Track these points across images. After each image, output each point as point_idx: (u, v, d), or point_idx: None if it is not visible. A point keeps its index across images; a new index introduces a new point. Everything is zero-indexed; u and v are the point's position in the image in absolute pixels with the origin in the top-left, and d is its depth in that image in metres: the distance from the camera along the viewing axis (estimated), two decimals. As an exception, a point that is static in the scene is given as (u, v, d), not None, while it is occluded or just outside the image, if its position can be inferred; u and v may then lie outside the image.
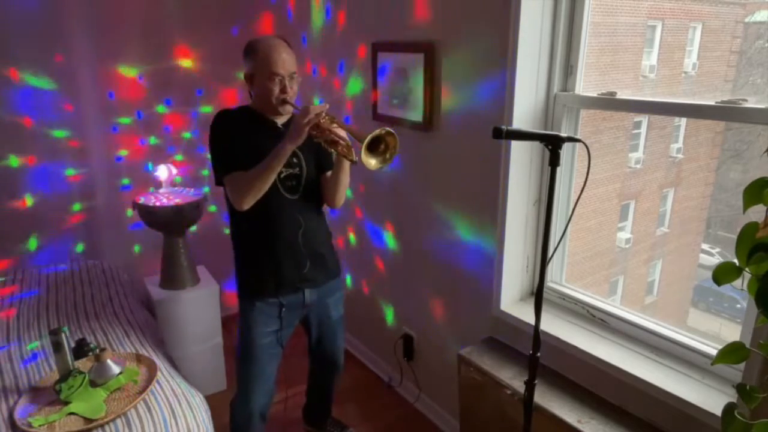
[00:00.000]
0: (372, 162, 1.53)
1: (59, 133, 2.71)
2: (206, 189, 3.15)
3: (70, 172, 2.79)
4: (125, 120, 2.87)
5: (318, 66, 2.85)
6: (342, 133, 1.65)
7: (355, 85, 2.60)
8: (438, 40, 2.03)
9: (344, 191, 1.88)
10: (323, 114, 1.64)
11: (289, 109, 1.78)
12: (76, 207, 2.84)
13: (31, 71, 2.56)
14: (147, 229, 2.98)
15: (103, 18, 2.69)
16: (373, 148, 1.53)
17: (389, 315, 2.68)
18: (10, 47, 2.50)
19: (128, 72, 2.82)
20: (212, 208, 3.28)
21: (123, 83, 2.81)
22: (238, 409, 1.94)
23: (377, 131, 1.49)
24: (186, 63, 2.97)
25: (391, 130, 1.51)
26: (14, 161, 2.62)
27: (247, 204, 1.70)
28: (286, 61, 1.71)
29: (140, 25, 2.79)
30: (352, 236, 2.86)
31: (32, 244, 2.75)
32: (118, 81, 2.80)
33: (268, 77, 1.70)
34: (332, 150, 1.71)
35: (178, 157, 3.07)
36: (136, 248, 3.06)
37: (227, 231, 3.20)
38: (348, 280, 2.96)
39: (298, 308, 1.92)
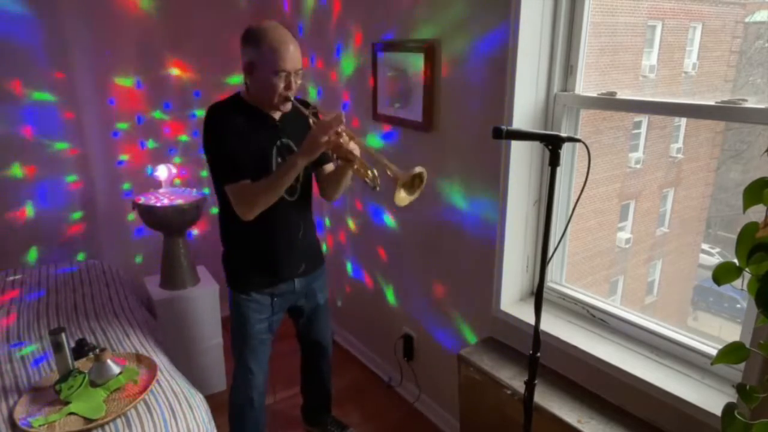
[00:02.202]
0: (405, 198, 1.49)
1: (61, 145, 2.72)
2: (206, 190, 3.14)
3: (71, 178, 2.79)
4: (124, 125, 2.88)
5: (315, 56, 2.86)
6: (358, 152, 1.62)
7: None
8: (438, 39, 2.03)
9: (344, 189, 1.90)
10: (342, 132, 1.58)
11: (289, 106, 1.72)
12: (77, 215, 2.84)
13: (33, 86, 2.59)
14: (149, 237, 2.96)
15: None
16: (408, 184, 1.50)
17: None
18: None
19: (125, 82, 2.83)
20: (214, 210, 3.28)
21: (121, 92, 2.83)
22: (238, 389, 1.97)
23: (417, 170, 1.46)
24: (179, 73, 2.98)
25: (423, 171, 1.49)
26: (17, 171, 2.63)
27: (254, 215, 1.67)
28: (294, 56, 1.62)
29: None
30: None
31: (32, 255, 2.76)
32: (116, 91, 2.82)
33: (274, 72, 1.61)
34: (347, 167, 1.69)
35: (177, 160, 3.07)
36: (138, 259, 3.08)
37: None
38: (348, 266, 2.97)
39: (288, 295, 1.96)
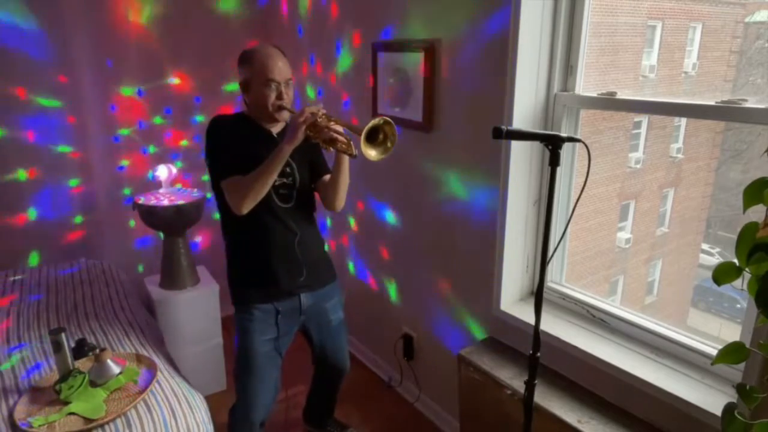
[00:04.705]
0: (372, 153, 1.54)
1: (63, 149, 2.73)
2: (209, 195, 3.14)
3: (73, 182, 2.80)
4: (125, 131, 2.89)
5: (314, 57, 2.86)
6: (340, 128, 1.64)
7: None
8: (438, 39, 2.03)
9: (345, 193, 1.87)
10: (319, 113, 1.64)
11: (285, 115, 1.78)
12: (78, 220, 2.84)
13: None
14: (150, 245, 2.96)
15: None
16: (372, 138, 1.54)
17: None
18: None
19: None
20: (216, 216, 3.27)
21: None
22: (237, 420, 1.93)
23: (374, 121, 1.51)
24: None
25: (388, 119, 1.52)
26: (22, 175, 2.64)
27: (246, 208, 1.68)
28: (281, 68, 1.73)
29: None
30: (353, 222, 2.87)
31: (33, 260, 2.76)
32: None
33: (264, 83, 1.71)
34: (331, 148, 1.69)
35: (178, 164, 3.07)
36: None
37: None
38: (350, 266, 2.96)
39: (294, 314, 1.89)
